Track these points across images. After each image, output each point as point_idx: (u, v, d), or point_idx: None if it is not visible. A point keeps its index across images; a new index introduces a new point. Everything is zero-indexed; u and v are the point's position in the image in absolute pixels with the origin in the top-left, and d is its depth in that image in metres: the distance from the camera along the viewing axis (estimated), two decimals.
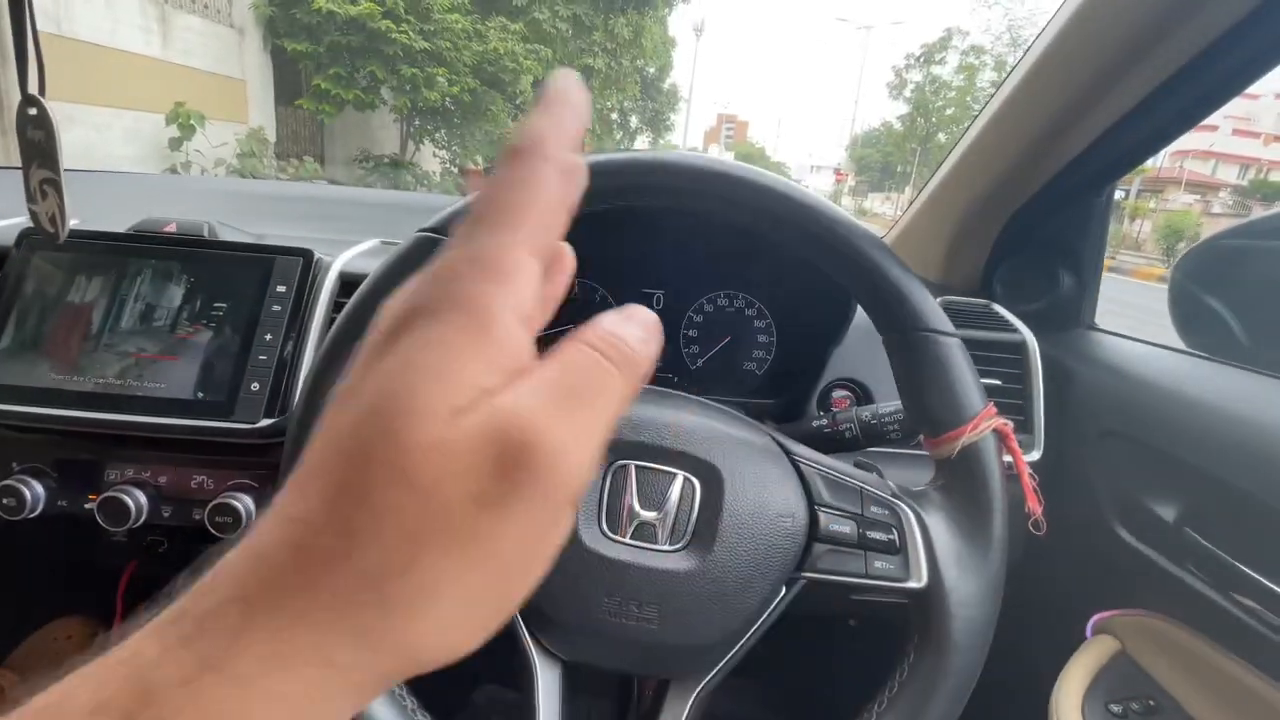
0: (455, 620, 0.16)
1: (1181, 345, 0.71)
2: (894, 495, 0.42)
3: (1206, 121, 0.63)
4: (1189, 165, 20.03)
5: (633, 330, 0.19)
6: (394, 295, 0.17)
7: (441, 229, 0.42)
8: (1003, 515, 0.41)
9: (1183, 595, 0.56)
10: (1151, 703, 0.56)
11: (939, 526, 0.41)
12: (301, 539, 0.15)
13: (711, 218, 0.45)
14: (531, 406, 0.16)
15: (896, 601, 0.41)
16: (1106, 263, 0.81)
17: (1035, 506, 0.42)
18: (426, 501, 0.15)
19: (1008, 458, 0.42)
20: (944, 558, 0.40)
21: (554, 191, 0.18)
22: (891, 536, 0.41)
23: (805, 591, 0.41)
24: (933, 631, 0.39)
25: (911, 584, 0.40)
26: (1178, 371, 0.66)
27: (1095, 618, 0.63)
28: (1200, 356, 0.68)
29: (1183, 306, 0.72)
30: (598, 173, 0.42)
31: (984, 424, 0.41)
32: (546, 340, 0.17)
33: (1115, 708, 0.56)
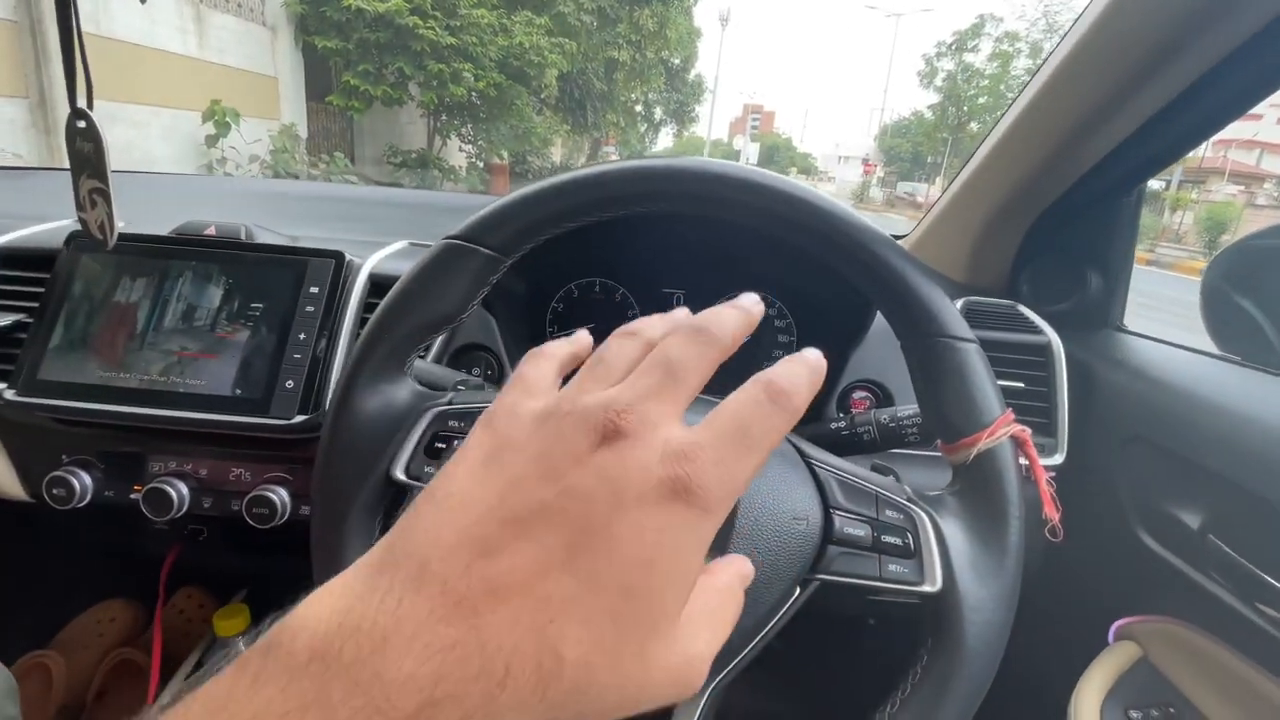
0: None
1: (1212, 348, 0.69)
2: (909, 500, 0.43)
3: (1251, 110, 0.61)
4: (1233, 155, 19.27)
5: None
6: None
7: (467, 236, 0.43)
8: (1018, 522, 0.41)
9: (1206, 603, 0.56)
10: (1172, 710, 0.56)
11: (954, 532, 0.41)
12: None
13: (731, 221, 0.45)
14: None
15: (910, 603, 0.41)
16: (1145, 256, 0.79)
17: (1052, 513, 0.42)
18: None
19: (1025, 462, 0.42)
20: (959, 563, 0.40)
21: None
22: (906, 541, 0.41)
23: (819, 593, 0.42)
24: (946, 635, 0.39)
25: (926, 588, 0.40)
26: (1205, 375, 0.65)
27: (1117, 623, 0.63)
28: (1228, 360, 0.67)
29: (1216, 309, 0.70)
30: (604, 183, 0.43)
31: (1001, 430, 0.41)
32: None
33: (1135, 714, 0.56)
